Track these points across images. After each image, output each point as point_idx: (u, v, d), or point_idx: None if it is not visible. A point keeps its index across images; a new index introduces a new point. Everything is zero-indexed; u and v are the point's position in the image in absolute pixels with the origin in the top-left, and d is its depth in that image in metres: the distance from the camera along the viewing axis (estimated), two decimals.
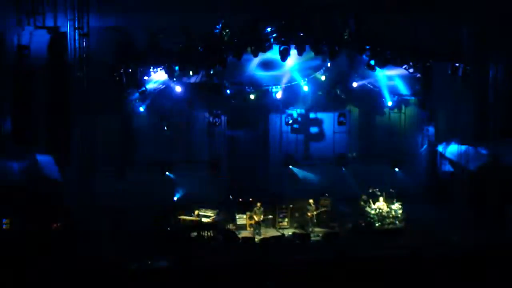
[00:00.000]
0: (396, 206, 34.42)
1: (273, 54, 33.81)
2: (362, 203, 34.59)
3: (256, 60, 35.16)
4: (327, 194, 36.48)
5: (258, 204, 33.73)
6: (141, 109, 35.18)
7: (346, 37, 33.42)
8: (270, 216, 34.35)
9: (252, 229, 33.63)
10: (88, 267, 28.29)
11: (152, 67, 33.39)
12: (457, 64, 34.06)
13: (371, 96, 39.03)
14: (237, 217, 34.55)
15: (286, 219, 34.95)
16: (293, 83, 37.49)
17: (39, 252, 29.23)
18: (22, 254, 28.79)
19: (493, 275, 29.01)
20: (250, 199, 34.78)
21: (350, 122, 39.65)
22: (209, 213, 33.96)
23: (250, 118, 38.17)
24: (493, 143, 34.93)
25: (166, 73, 33.32)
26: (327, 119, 39.77)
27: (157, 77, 34.16)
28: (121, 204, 33.61)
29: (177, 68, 33.30)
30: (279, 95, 37.66)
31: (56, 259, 28.96)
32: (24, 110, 32.99)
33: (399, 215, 34.28)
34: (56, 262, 28.72)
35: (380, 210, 34.07)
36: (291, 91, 37.88)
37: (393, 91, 38.43)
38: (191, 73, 34.32)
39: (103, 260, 29.03)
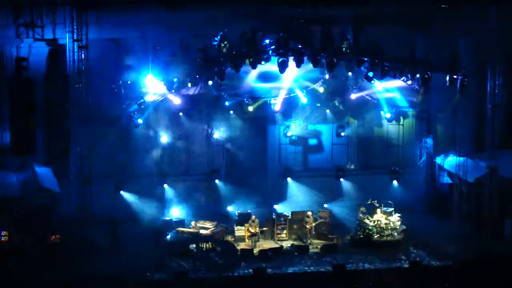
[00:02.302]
0: (395, 218, 34.43)
1: (272, 66, 33.86)
2: (360, 215, 34.60)
3: (254, 72, 35.16)
4: (325, 206, 36.53)
5: (253, 217, 33.75)
6: (140, 121, 35.15)
7: (344, 49, 33.47)
8: (265, 229, 34.31)
9: (249, 241, 33.62)
10: (85, 279, 28.28)
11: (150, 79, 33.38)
12: (455, 76, 34.09)
13: (370, 108, 39.04)
14: (235, 228, 34.54)
15: (285, 231, 34.92)
16: (291, 95, 37.51)
17: (37, 264, 29.19)
18: (20, 266, 28.76)
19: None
20: (249, 211, 34.84)
21: (349, 134, 39.61)
22: (208, 224, 33.95)
23: (248, 130, 38.11)
24: (491, 155, 34.94)
25: (164, 85, 33.35)
26: (326, 130, 39.77)
27: (156, 89, 34.14)
28: (119, 216, 33.63)
29: (175, 80, 33.35)
30: (277, 107, 37.70)
31: (54, 271, 28.95)
32: (23, 122, 32.99)
33: (398, 227, 34.29)
34: (54, 274, 28.71)
35: (379, 222, 34.07)
36: (290, 103, 37.90)
37: (392, 103, 38.44)
38: (189, 85, 34.38)
39: (101, 272, 28.99)
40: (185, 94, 35.97)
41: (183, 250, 32.44)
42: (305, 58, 33.22)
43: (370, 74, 34.50)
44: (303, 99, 37.56)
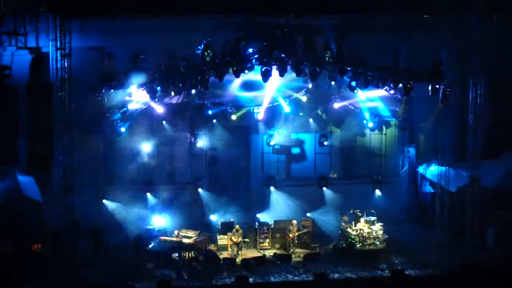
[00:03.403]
0: (377, 227, 34.50)
1: (255, 74, 33.90)
2: (343, 224, 34.66)
3: (238, 81, 35.19)
4: (308, 215, 36.56)
5: (237, 226, 33.74)
6: (123, 129, 35.10)
7: (327, 58, 33.58)
8: (247, 240, 34.25)
9: (231, 249, 33.59)
10: None
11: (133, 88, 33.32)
12: (437, 86, 34.25)
13: (353, 117, 39.16)
14: (218, 237, 34.51)
15: (268, 240, 34.93)
16: (274, 104, 37.56)
17: (19, 273, 29.03)
18: (1, 276, 28.58)
19: None
20: (231, 220, 34.81)
21: (332, 143, 39.68)
22: (190, 233, 33.90)
23: (231, 138, 38.10)
24: (473, 165, 35.11)
25: (148, 93, 33.31)
26: (309, 139, 39.82)
27: (139, 97, 34.12)
28: (101, 225, 33.55)
29: (158, 88, 33.30)
30: (260, 116, 37.72)
31: (36, 281, 28.80)
32: (5, 130, 32.86)
33: (380, 236, 34.34)
34: (35, 283, 28.57)
35: (361, 231, 34.12)
36: (273, 111, 37.94)
37: (374, 112, 38.58)
38: (172, 93, 34.35)
39: (83, 281, 28.89)
40: (168, 103, 35.94)
41: (165, 259, 32.35)
42: (288, 67, 33.30)
43: (353, 83, 34.61)
44: (286, 108, 37.64)
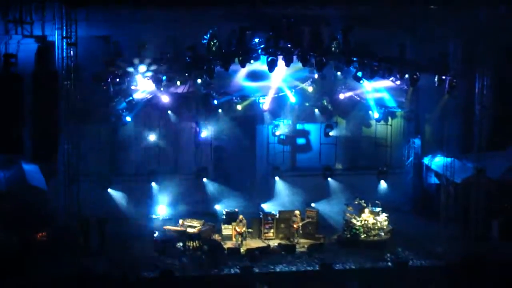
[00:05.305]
0: (382, 217, 34.48)
1: (261, 65, 33.86)
2: (348, 214, 34.64)
3: (243, 71, 35.11)
4: (313, 205, 36.56)
5: (240, 217, 33.74)
6: (128, 118, 35.11)
7: (333, 48, 33.47)
8: (250, 230, 34.25)
9: (235, 240, 33.61)
10: (72, 277, 28.23)
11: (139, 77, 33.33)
12: (443, 77, 34.18)
13: (358, 108, 39.11)
14: (223, 227, 34.54)
15: (272, 230, 34.93)
16: (280, 94, 37.52)
17: (24, 261, 29.11)
18: (6, 263, 28.66)
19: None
20: (236, 210, 34.83)
21: (337, 133, 39.63)
22: (195, 223, 33.94)
23: (237, 128, 38.09)
24: (478, 156, 34.99)
25: (153, 83, 33.31)
26: (314, 130, 39.80)
27: (144, 87, 34.11)
28: (106, 214, 33.57)
29: (164, 78, 33.29)
30: (266, 106, 37.69)
31: (41, 268, 28.87)
32: (10, 119, 32.89)
33: (385, 227, 34.33)
34: (40, 272, 28.64)
35: (366, 222, 34.11)
36: (278, 102, 37.90)
37: (380, 103, 38.52)
38: (178, 83, 34.32)
39: (87, 270, 28.94)
40: (174, 92, 35.92)
41: (170, 249, 32.40)
42: (294, 57, 33.23)
43: (359, 74, 34.54)
44: (292, 98, 37.59)
